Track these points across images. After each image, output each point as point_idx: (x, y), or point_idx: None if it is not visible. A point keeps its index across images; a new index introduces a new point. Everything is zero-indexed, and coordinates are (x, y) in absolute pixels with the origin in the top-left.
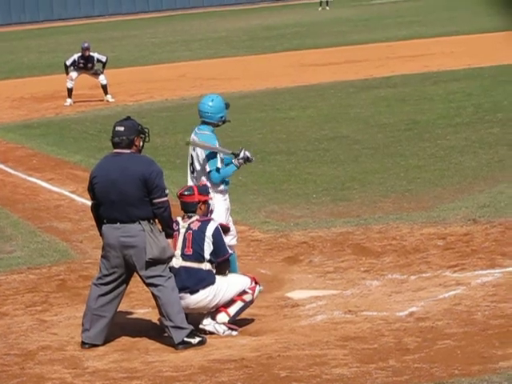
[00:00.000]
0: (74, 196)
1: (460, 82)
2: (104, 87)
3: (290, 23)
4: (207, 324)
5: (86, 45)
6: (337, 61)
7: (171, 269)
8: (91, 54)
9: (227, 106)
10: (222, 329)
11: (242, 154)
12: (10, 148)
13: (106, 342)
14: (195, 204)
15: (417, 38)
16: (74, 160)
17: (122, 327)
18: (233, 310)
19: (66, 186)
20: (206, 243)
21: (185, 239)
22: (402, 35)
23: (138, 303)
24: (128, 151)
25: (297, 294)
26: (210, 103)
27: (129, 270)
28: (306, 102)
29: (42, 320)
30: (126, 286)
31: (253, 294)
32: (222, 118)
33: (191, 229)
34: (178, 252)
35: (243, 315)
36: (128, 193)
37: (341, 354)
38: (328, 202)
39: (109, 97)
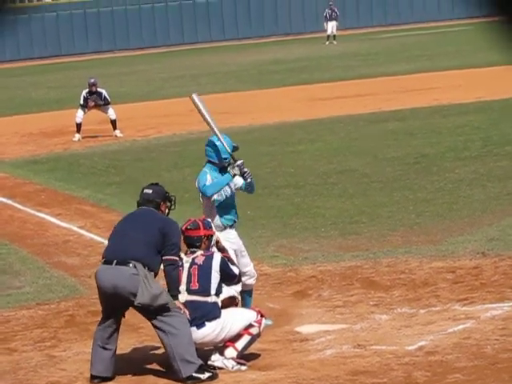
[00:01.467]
0: (82, 231)
1: (468, 115)
2: (113, 122)
3: (298, 57)
4: (216, 360)
5: (92, 80)
6: (345, 94)
7: None
8: (99, 89)
9: (235, 148)
10: (230, 364)
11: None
12: (18, 183)
13: (115, 376)
14: (200, 238)
15: (425, 72)
16: (83, 195)
17: (131, 362)
18: (240, 344)
19: (75, 222)
20: (213, 277)
21: (190, 274)
22: (410, 69)
23: (147, 338)
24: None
25: (306, 329)
26: (217, 142)
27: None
28: (314, 136)
29: (51, 356)
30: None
31: (259, 327)
32: (225, 159)
33: (196, 263)
34: (183, 287)
35: (252, 350)
36: (144, 231)
37: None
38: (337, 235)
39: (117, 132)
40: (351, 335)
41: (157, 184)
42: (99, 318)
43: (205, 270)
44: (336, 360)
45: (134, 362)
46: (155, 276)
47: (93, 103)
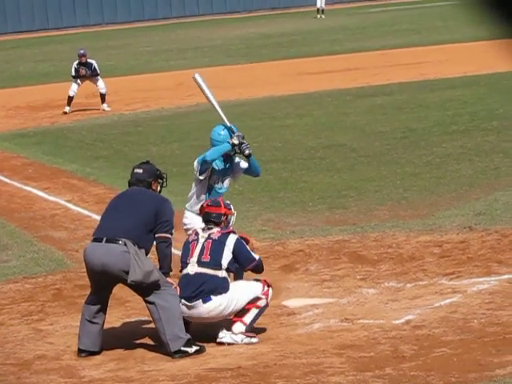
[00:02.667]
0: (69, 205)
1: (456, 89)
2: (102, 96)
3: (286, 31)
4: (223, 336)
5: (81, 51)
6: (333, 69)
7: (186, 276)
8: (89, 60)
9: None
10: (239, 338)
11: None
12: (5, 157)
13: (102, 350)
14: (220, 215)
15: (413, 46)
16: (70, 169)
17: (119, 336)
18: (248, 318)
19: (62, 195)
20: (225, 252)
21: (203, 247)
22: (398, 43)
23: (135, 312)
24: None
25: (293, 303)
26: (222, 132)
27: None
28: (302, 110)
29: (38, 329)
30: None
31: (267, 299)
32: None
33: (211, 238)
34: (193, 259)
35: None
36: (135, 210)
37: (337, 362)
38: (324, 209)
39: (105, 106)
40: (338, 309)
41: (147, 162)
42: (87, 292)
43: (218, 245)
44: (323, 334)
45: (122, 336)
46: (146, 254)
47: (84, 71)
